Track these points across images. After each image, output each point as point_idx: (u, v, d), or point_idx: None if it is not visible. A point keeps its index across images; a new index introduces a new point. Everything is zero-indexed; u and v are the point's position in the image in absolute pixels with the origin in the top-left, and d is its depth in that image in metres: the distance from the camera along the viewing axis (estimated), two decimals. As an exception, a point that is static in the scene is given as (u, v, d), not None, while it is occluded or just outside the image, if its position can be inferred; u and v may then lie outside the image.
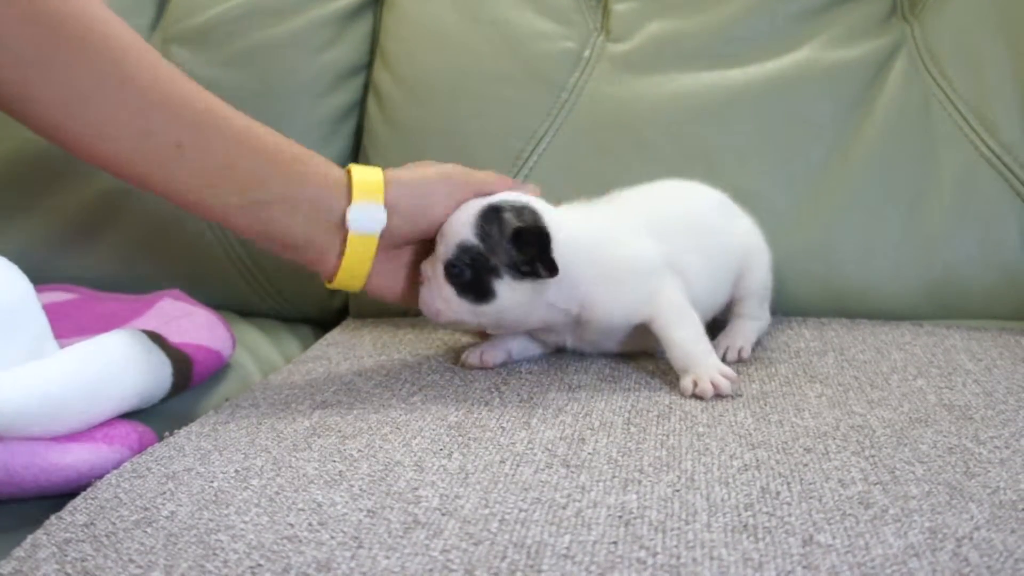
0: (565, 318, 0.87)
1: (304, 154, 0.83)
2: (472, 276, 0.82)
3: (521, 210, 0.83)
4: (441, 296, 0.83)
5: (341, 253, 0.83)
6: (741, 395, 0.80)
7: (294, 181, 0.81)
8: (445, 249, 0.83)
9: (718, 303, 0.95)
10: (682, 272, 0.88)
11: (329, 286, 0.86)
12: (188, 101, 0.79)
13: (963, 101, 1.07)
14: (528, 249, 0.81)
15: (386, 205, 0.83)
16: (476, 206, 0.83)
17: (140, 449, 0.71)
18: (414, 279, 0.88)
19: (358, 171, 0.84)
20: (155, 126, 0.77)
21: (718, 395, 0.79)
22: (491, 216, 0.82)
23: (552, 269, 0.80)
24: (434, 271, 0.84)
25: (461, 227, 0.82)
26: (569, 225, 0.84)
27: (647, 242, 0.87)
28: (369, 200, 0.82)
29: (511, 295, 0.82)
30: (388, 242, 0.85)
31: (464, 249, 0.82)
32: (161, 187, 0.80)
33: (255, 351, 1.04)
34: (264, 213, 0.81)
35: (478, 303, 0.82)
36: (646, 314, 0.86)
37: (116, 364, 0.73)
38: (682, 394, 0.81)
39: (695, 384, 0.80)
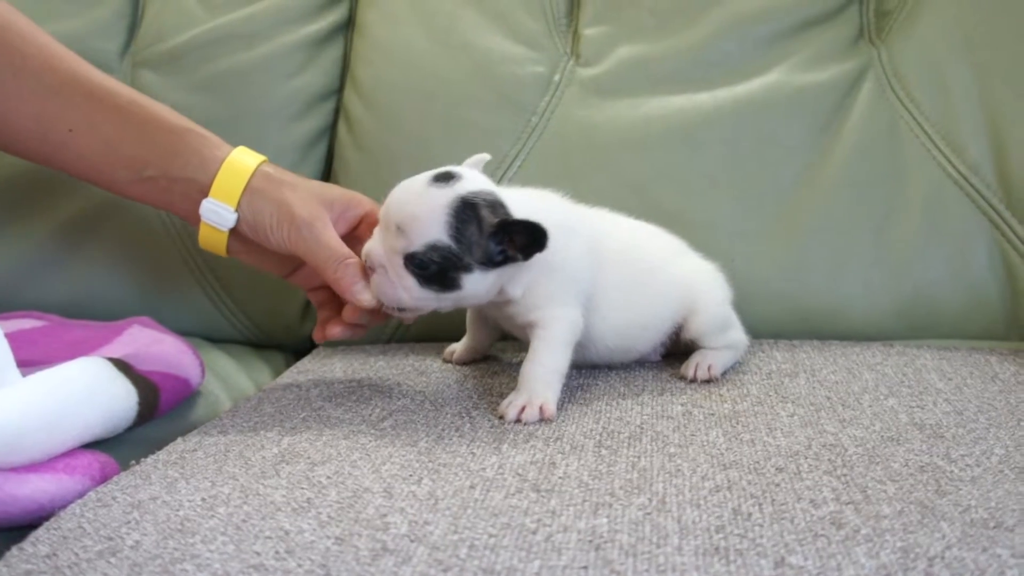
0: (500, 299, 0.86)
1: (183, 129, 0.90)
2: (437, 271, 0.80)
3: (494, 205, 0.81)
4: (402, 285, 0.81)
5: None
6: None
7: (173, 159, 0.88)
8: (407, 242, 0.80)
9: (646, 339, 0.95)
10: (595, 305, 0.88)
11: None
12: (79, 83, 0.88)
13: (930, 123, 1.08)
14: (519, 238, 0.80)
15: (238, 209, 0.87)
16: (442, 198, 0.80)
17: (103, 479, 0.70)
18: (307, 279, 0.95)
19: (233, 161, 0.88)
20: (50, 112, 0.88)
21: (524, 421, 0.80)
22: (467, 215, 0.79)
23: (530, 256, 0.80)
24: (389, 261, 0.82)
25: (429, 224, 0.79)
26: (536, 215, 0.81)
27: (584, 261, 0.88)
28: (221, 200, 0.87)
29: (478, 283, 0.81)
30: (250, 239, 0.88)
31: (434, 248, 0.79)
32: (56, 165, 0.92)
33: (225, 378, 1.03)
34: (150, 185, 0.89)
35: (442, 292, 0.81)
36: (535, 318, 0.86)
37: (79, 393, 0.72)
38: (504, 407, 0.82)
39: (524, 408, 0.81)
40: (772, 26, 1.14)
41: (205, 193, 0.87)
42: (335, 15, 1.24)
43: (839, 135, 1.09)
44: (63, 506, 0.65)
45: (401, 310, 0.84)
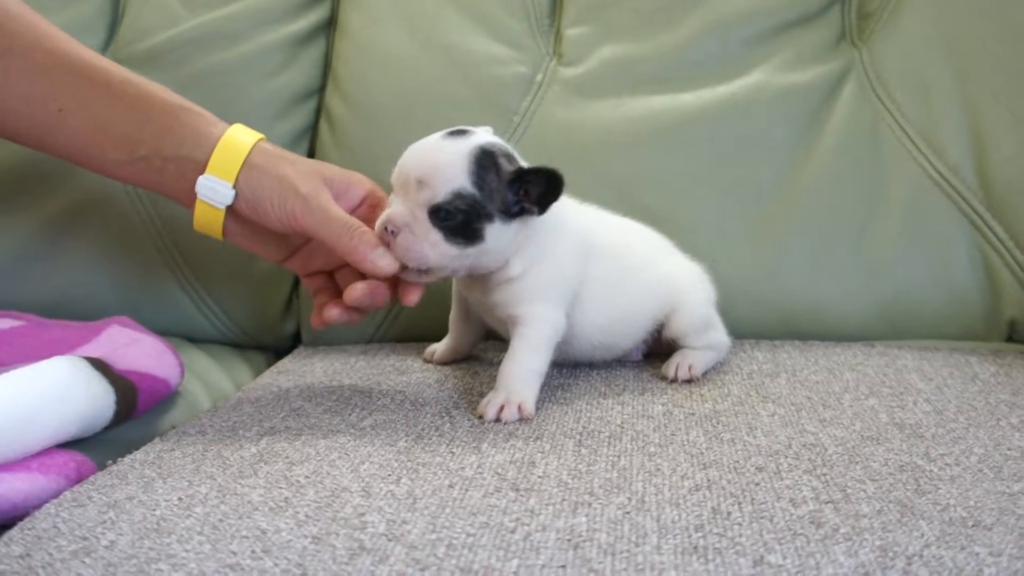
0: (500, 278, 0.86)
1: (177, 107, 0.87)
2: (463, 220, 0.80)
3: (509, 155, 0.83)
4: (428, 240, 0.80)
5: None
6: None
7: (167, 138, 0.85)
8: (431, 193, 0.80)
9: (628, 336, 0.95)
10: (580, 300, 0.89)
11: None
12: (69, 62, 0.86)
13: (911, 124, 1.08)
14: (534, 188, 0.81)
15: (235, 186, 0.84)
16: (462, 148, 0.81)
17: (78, 479, 0.70)
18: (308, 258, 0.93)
19: (230, 138, 0.85)
20: (39, 92, 0.85)
21: (503, 420, 0.80)
22: (486, 162, 0.81)
23: (546, 207, 0.81)
24: (413, 217, 0.81)
25: (452, 172, 0.80)
26: None
27: (575, 256, 0.88)
28: (218, 176, 0.84)
29: (499, 236, 0.82)
30: (248, 218, 0.86)
31: (459, 196, 0.79)
32: (47, 147, 0.89)
33: (205, 378, 1.03)
34: (143, 166, 0.86)
35: (467, 245, 0.81)
36: (520, 313, 0.86)
37: (54, 392, 0.71)
38: (483, 406, 0.82)
39: (503, 407, 0.81)
40: (755, 27, 1.14)
41: (201, 171, 0.84)
42: (317, 14, 1.23)
43: (821, 136, 1.09)
44: (37, 506, 0.65)
45: (424, 271, 0.83)
